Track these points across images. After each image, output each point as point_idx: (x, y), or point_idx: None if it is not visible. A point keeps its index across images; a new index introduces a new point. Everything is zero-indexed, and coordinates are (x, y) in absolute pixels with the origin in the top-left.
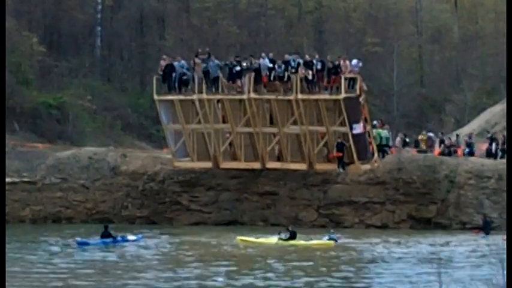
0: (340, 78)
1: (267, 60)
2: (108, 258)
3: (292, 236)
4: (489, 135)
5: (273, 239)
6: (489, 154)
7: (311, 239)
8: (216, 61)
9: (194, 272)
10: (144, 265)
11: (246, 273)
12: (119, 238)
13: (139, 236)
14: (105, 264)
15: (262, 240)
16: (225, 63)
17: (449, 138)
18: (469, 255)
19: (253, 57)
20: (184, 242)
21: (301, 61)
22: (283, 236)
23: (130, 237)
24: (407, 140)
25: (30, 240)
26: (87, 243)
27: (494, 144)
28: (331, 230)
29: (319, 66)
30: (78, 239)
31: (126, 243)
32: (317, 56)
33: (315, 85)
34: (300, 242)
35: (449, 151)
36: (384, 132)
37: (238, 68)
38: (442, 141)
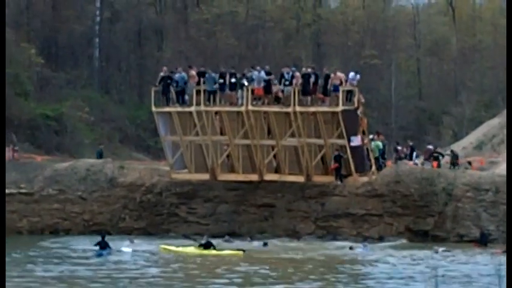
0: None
1: (262, 73)
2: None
3: (208, 246)
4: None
5: (191, 248)
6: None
7: (222, 249)
8: (213, 74)
9: None
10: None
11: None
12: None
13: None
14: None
15: (181, 249)
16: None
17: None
18: (466, 269)
19: (253, 69)
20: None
21: (297, 74)
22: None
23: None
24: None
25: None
26: (102, 254)
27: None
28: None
29: (312, 79)
30: (97, 249)
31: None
32: (310, 70)
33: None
34: (211, 251)
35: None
36: (379, 144)
37: (233, 80)
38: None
